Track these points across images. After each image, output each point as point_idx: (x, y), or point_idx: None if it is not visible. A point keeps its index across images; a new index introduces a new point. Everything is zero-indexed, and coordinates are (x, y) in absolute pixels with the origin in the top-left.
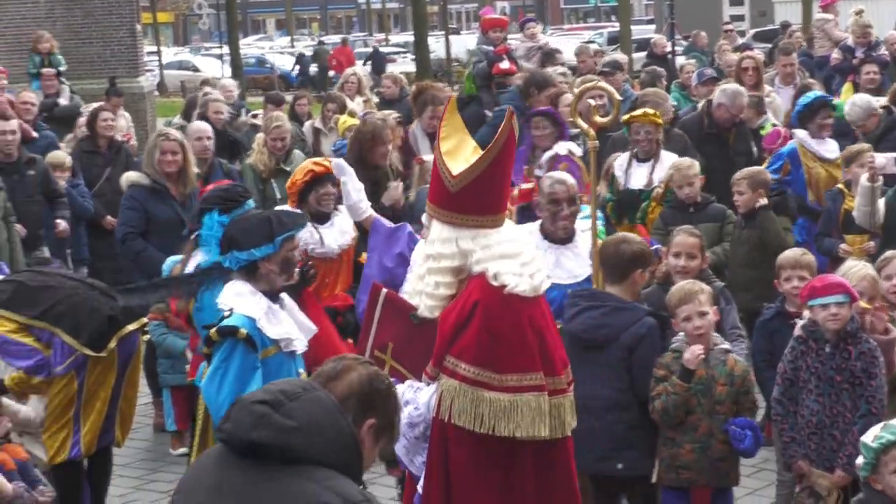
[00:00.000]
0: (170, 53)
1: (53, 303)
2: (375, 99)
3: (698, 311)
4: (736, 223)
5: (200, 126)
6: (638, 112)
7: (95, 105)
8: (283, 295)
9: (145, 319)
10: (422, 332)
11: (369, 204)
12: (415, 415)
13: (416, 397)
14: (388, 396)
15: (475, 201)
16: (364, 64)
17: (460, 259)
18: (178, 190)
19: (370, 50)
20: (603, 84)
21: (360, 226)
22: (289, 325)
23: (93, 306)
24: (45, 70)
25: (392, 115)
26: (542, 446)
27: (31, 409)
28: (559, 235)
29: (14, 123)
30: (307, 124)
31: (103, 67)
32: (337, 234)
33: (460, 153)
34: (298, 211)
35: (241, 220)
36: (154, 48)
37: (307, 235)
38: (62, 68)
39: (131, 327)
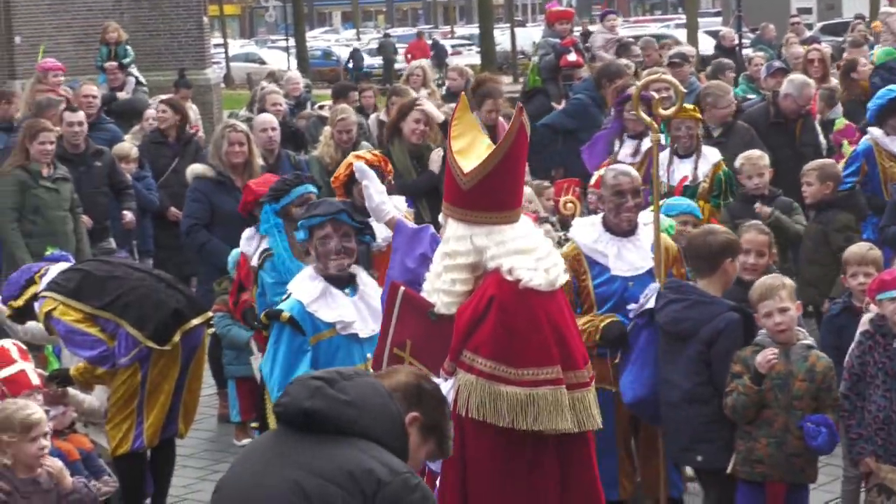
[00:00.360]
0: (236, 46)
1: (119, 293)
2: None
3: (779, 308)
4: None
5: (265, 117)
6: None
7: (164, 97)
8: (365, 280)
9: (210, 314)
10: (439, 329)
11: (393, 205)
12: None
13: None
14: (436, 398)
15: (488, 198)
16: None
17: (475, 256)
18: (243, 181)
19: (430, 42)
20: (667, 76)
21: None
22: (347, 309)
23: (159, 299)
24: (107, 64)
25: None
26: (564, 439)
27: (95, 398)
28: (622, 228)
29: (81, 115)
30: (372, 117)
31: (170, 60)
32: (383, 228)
33: (473, 151)
34: (341, 201)
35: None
36: (221, 40)
37: None
38: (127, 60)
39: (196, 321)
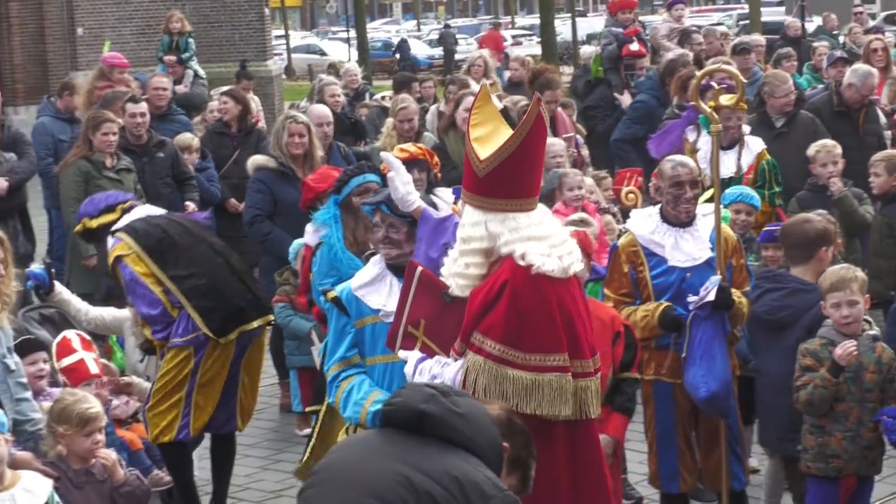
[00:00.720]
0: (297, 37)
1: (193, 272)
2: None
3: (848, 300)
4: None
5: (320, 111)
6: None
7: (225, 88)
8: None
9: (271, 317)
10: (452, 310)
11: (418, 195)
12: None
13: (443, 372)
14: (525, 434)
15: (503, 185)
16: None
17: (489, 241)
18: (304, 172)
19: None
20: (727, 66)
21: None
22: (395, 298)
23: (228, 292)
24: (166, 57)
25: (521, 101)
26: (573, 425)
27: None
28: (681, 219)
29: (143, 106)
30: (432, 108)
31: (232, 51)
32: None
33: (492, 140)
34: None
35: None
36: (282, 32)
37: None
38: (187, 54)
39: (255, 324)
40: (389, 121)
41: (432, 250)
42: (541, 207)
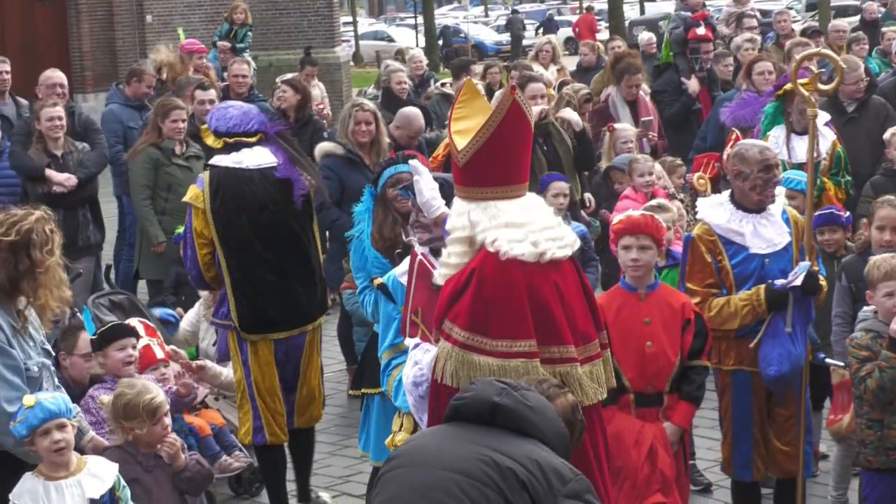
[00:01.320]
0: (365, 24)
1: (247, 263)
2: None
3: None
4: None
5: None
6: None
7: (290, 76)
8: None
9: (309, 326)
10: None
11: (443, 202)
12: (418, 374)
13: (423, 358)
14: (578, 430)
15: (482, 174)
16: (536, 32)
17: (471, 230)
18: (371, 159)
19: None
20: (825, 51)
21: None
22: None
23: (269, 297)
24: (219, 42)
25: (583, 90)
26: None
27: (232, 372)
28: (766, 203)
29: (212, 93)
30: (497, 94)
31: (300, 38)
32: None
33: (474, 132)
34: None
35: None
36: (350, 18)
37: None
38: (242, 45)
39: (283, 335)
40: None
41: None
42: (529, 195)
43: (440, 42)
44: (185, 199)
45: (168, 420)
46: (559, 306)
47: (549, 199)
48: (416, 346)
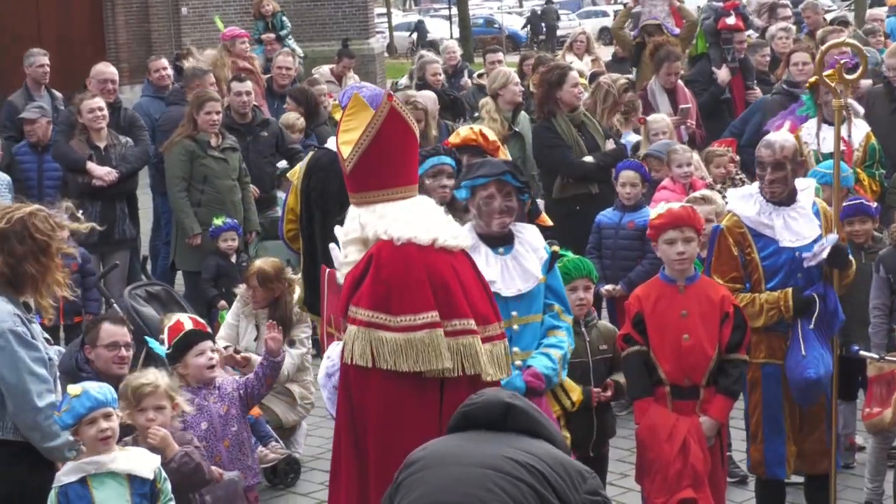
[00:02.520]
0: (399, 15)
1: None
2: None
3: None
4: None
5: (423, 95)
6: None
7: (327, 67)
8: (527, 238)
9: None
10: None
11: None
12: (329, 366)
13: (333, 351)
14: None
15: (367, 178)
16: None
17: (361, 231)
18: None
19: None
20: (851, 41)
21: None
22: (491, 268)
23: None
24: (265, 35)
25: (620, 80)
26: (449, 386)
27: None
28: (776, 197)
29: (248, 85)
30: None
31: (335, 29)
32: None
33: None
34: (504, 161)
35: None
36: (384, 10)
37: None
38: (284, 31)
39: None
40: (487, 99)
41: None
42: (418, 198)
43: (414, 35)
44: (289, 174)
45: (156, 414)
46: (457, 284)
47: (618, 188)
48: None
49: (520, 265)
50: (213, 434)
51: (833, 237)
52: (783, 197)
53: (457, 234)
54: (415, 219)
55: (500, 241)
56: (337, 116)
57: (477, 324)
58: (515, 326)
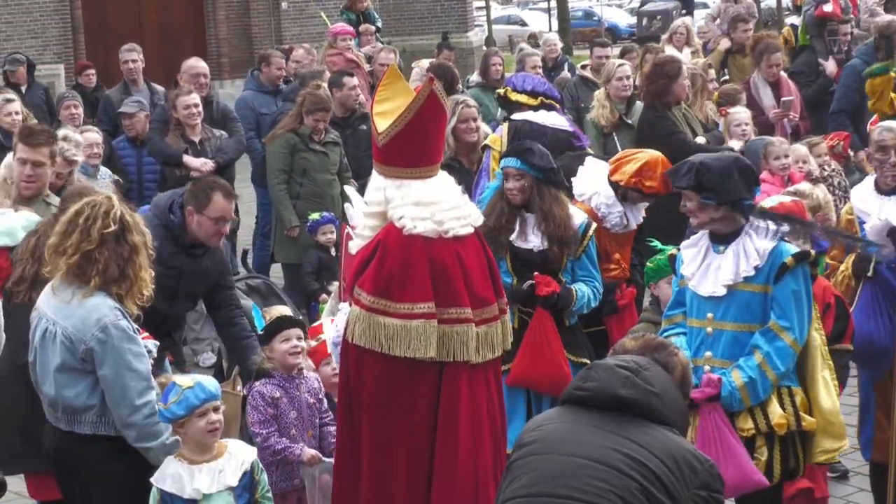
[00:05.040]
0: (498, 8)
1: None
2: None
3: None
4: None
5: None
6: None
7: (427, 61)
8: (748, 241)
9: None
10: None
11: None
12: (335, 336)
13: (341, 321)
14: (689, 390)
15: (399, 154)
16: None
17: (384, 205)
18: (469, 160)
19: None
20: None
21: None
22: (697, 265)
23: None
24: (363, 27)
25: (700, 61)
26: (446, 370)
27: None
28: (887, 184)
29: (355, 80)
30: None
31: (433, 23)
32: (638, 213)
33: (394, 114)
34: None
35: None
36: (482, 3)
37: (616, 219)
38: (380, 23)
39: None
40: (600, 92)
41: None
42: (441, 175)
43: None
44: (486, 141)
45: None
46: (459, 273)
47: (771, 163)
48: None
49: (725, 266)
50: (300, 423)
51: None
52: (885, 185)
53: (468, 220)
54: (435, 204)
55: (724, 238)
56: (522, 98)
57: (474, 308)
58: (709, 329)
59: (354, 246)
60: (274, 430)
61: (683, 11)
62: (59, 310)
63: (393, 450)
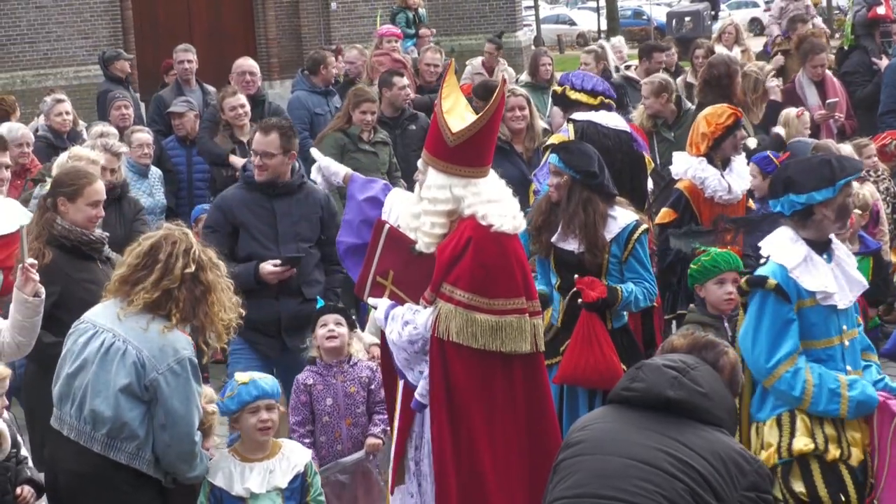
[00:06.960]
0: (547, 7)
1: None
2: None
3: None
4: None
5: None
6: None
7: (478, 59)
8: (837, 245)
9: None
10: (419, 263)
11: (341, 166)
12: (414, 333)
13: (415, 318)
14: (738, 386)
15: (469, 155)
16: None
17: (454, 203)
18: (523, 146)
19: None
20: None
21: None
22: (828, 278)
23: None
24: (422, 31)
25: (767, 67)
26: (527, 360)
27: None
28: None
29: (405, 79)
30: (678, 80)
31: (482, 23)
32: (737, 178)
33: (457, 111)
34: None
35: (800, 162)
36: (531, 3)
37: (715, 182)
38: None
39: None
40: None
41: (365, 205)
42: (492, 173)
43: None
44: (551, 139)
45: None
46: (527, 267)
47: None
48: (393, 305)
49: (845, 273)
50: (336, 411)
51: None
52: None
53: (521, 216)
54: (501, 201)
55: (823, 247)
56: (582, 97)
57: (529, 299)
58: (846, 342)
59: (425, 245)
60: (307, 430)
61: (712, 12)
62: (132, 332)
63: (510, 440)
